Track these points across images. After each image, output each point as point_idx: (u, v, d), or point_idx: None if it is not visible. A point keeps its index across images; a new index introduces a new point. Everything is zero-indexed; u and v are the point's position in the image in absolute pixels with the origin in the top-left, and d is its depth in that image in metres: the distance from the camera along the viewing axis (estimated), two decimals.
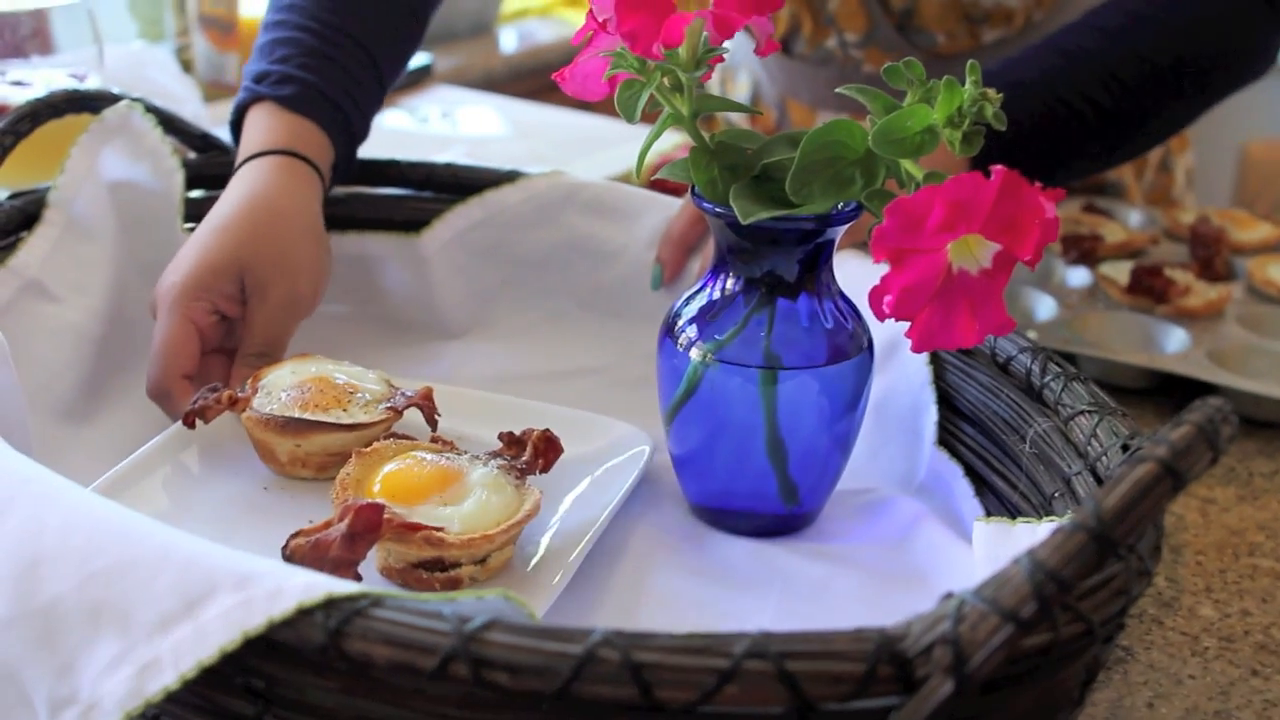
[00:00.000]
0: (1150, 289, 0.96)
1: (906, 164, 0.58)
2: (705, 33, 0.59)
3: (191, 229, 0.83)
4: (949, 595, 0.43)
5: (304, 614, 0.43)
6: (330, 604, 0.43)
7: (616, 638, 0.41)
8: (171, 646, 0.45)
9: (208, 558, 0.46)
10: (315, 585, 0.44)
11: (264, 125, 0.81)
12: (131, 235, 0.81)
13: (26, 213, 0.78)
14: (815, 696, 0.41)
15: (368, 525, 0.58)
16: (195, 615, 0.45)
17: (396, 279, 0.88)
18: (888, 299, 0.54)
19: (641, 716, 0.43)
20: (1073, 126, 0.87)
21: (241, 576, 0.45)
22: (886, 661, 0.41)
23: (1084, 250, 1.04)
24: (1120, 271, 1.00)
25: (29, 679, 0.47)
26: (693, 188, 0.63)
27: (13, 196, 0.78)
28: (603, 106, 0.84)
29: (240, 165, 0.80)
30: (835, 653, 0.41)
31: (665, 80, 0.62)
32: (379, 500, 0.59)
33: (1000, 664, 0.41)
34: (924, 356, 0.70)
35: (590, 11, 0.63)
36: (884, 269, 0.70)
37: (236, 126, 0.84)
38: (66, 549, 0.47)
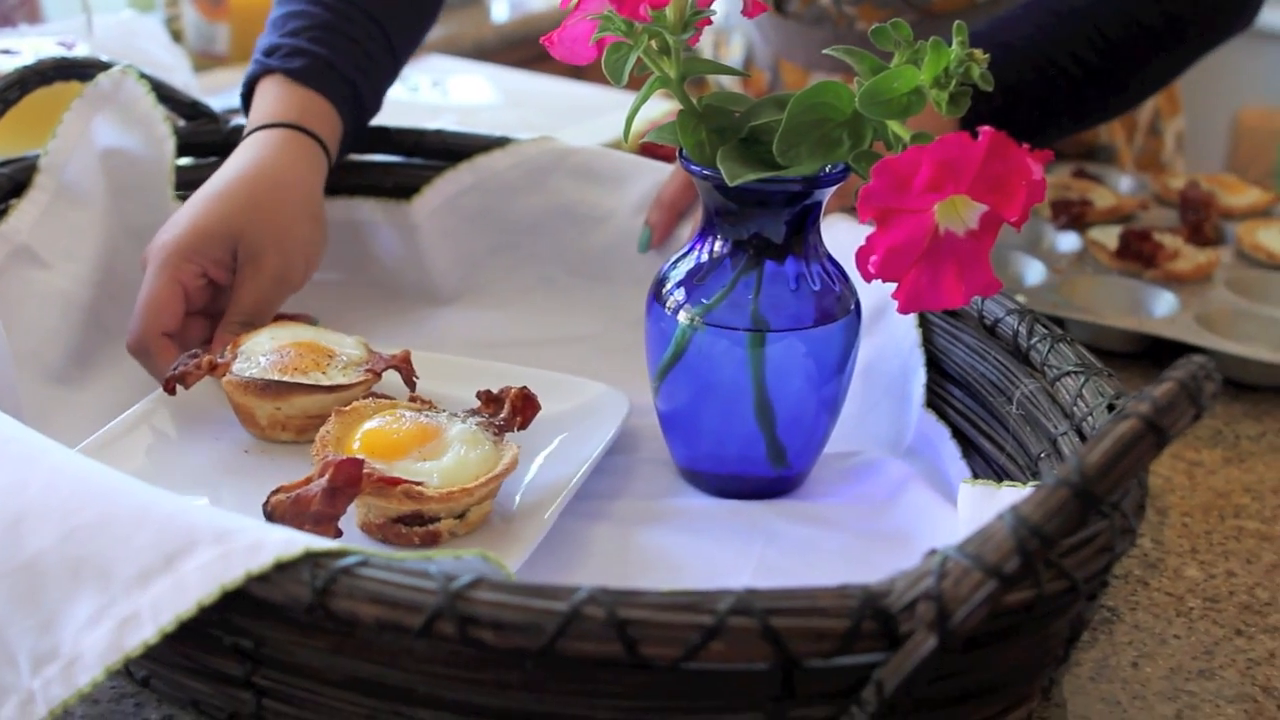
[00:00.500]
0: (1139, 253, 0.96)
1: (893, 125, 0.57)
2: None
3: (182, 196, 0.83)
4: (932, 552, 0.43)
5: (286, 571, 0.44)
6: (316, 562, 0.43)
7: (602, 595, 0.42)
8: (150, 601, 0.45)
9: (187, 514, 0.46)
10: (294, 541, 0.44)
11: (273, 97, 0.81)
12: (122, 202, 0.81)
13: (16, 180, 0.77)
14: (799, 653, 0.41)
15: (348, 479, 0.58)
16: (174, 569, 0.45)
17: (386, 245, 0.88)
18: (873, 259, 0.54)
19: (627, 673, 0.43)
20: (1060, 86, 0.87)
21: (220, 531, 0.45)
22: (870, 618, 0.42)
23: (1073, 215, 1.04)
24: (1109, 236, 1.00)
25: (12, 635, 0.47)
26: (680, 151, 0.63)
27: (2, 164, 0.78)
28: (593, 74, 0.84)
29: (246, 135, 0.80)
30: (819, 609, 0.42)
31: (653, 43, 0.61)
32: (359, 456, 0.60)
33: (983, 619, 0.41)
34: (913, 319, 0.71)
35: None
36: (871, 230, 0.70)
37: (246, 99, 0.84)
38: (48, 507, 0.47)
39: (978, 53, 0.55)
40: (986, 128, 0.52)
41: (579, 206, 0.85)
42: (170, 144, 0.82)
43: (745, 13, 0.62)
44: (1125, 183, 1.14)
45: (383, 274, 0.88)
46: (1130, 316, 0.91)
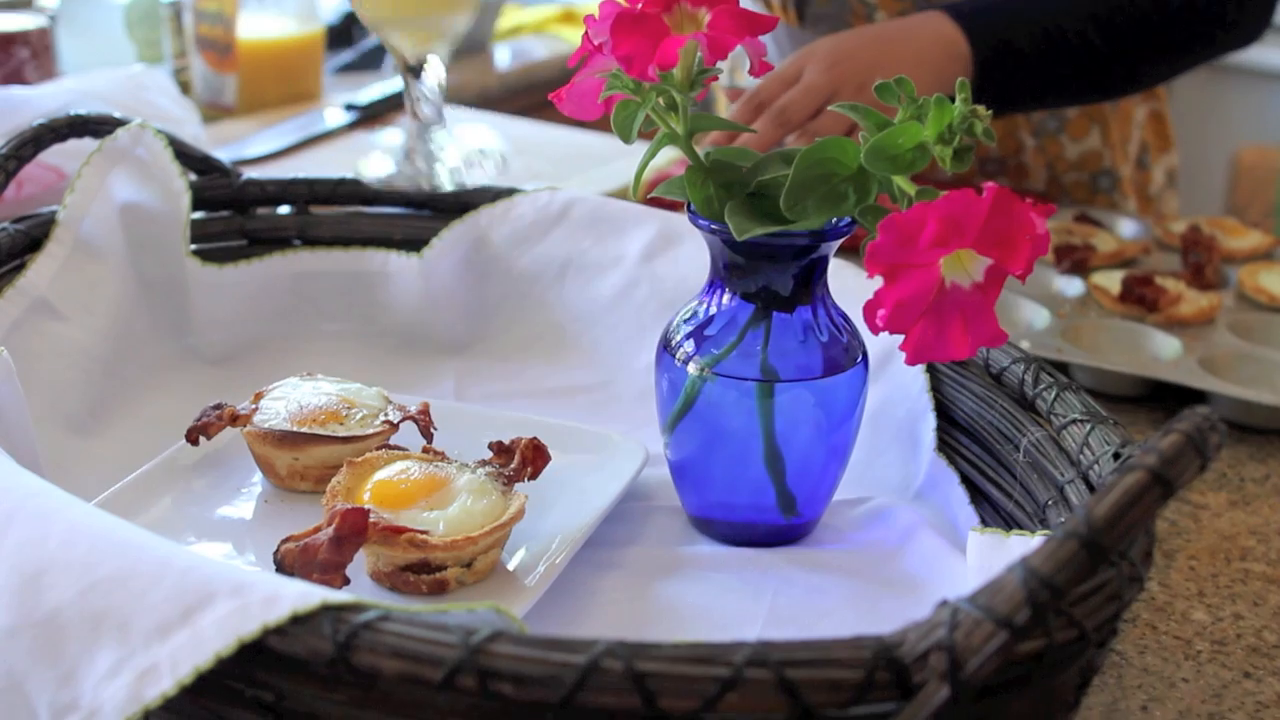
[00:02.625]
0: (1142, 298, 0.97)
1: (898, 180, 0.59)
2: (699, 53, 0.60)
3: (196, 251, 0.84)
4: (944, 603, 0.44)
5: (305, 624, 0.44)
6: (336, 616, 0.44)
7: (619, 648, 0.42)
8: (169, 653, 0.46)
9: (205, 567, 0.47)
10: (310, 593, 0.45)
11: None
12: (138, 256, 0.82)
13: (32, 236, 0.79)
14: (815, 703, 0.42)
15: (353, 529, 0.59)
16: (192, 622, 0.46)
17: (396, 296, 0.89)
18: (881, 313, 0.55)
19: None
20: (1065, 53, 0.95)
21: (237, 585, 0.46)
22: (884, 668, 0.42)
23: (1076, 260, 1.05)
24: (1112, 281, 1.01)
25: (32, 688, 0.48)
26: (688, 205, 0.64)
27: (18, 221, 0.79)
28: (598, 123, 0.85)
29: None
30: (834, 660, 0.42)
31: (660, 100, 0.63)
32: (366, 505, 0.61)
33: (995, 670, 0.42)
34: (920, 366, 0.71)
35: (586, 34, 0.64)
36: (877, 282, 0.71)
37: None
38: (68, 561, 0.48)
39: (981, 109, 0.57)
40: (991, 184, 0.53)
41: (586, 255, 0.87)
42: (186, 199, 0.84)
43: (752, 73, 0.64)
44: (1127, 227, 1.15)
45: (392, 326, 0.89)
46: (1134, 360, 0.92)
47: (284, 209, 0.90)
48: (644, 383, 0.84)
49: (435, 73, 0.79)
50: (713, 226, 0.63)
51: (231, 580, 0.46)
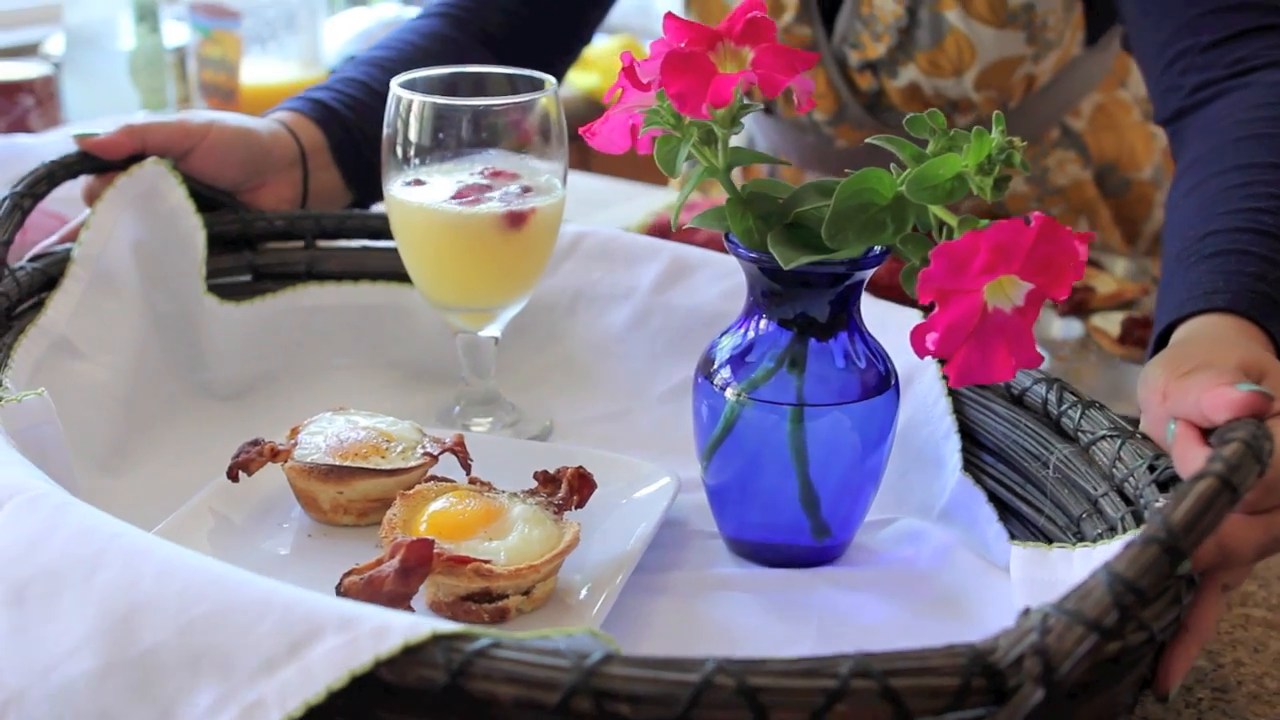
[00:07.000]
0: (1142, 339, 0.97)
1: (935, 209, 0.61)
2: (739, 91, 0.63)
3: (211, 288, 0.85)
4: (1027, 611, 0.46)
5: (415, 654, 0.45)
6: (450, 645, 0.45)
7: (730, 665, 0.44)
8: (276, 688, 0.46)
9: (310, 602, 0.47)
10: (419, 624, 0.46)
11: None
12: (152, 292, 0.82)
13: (48, 274, 0.78)
14: (916, 710, 0.44)
15: (420, 559, 0.60)
16: (300, 657, 0.46)
17: (406, 330, 0.90)
18: (933, 336, 0.58)
19: None
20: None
21: (345, 618, 0.46)
22: (979, 674, 0.44)
23: (1076, 302, 1.05)
24: (1111, 322, 1.01)
25: None
26: (727, 235, 0.66)
27: (34, 259, 0.79)
28: (603, 166, 0.88)
29: None
30: (932, 668, 0.44)
31: (697, 134, 0.65)
32: (428, 537, 0.62)
33: (1085, 671, 0.44)
34: (939, 385, 0.74)
35: (623, 70, 0.66)
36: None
37: None
38: (163, 598, 0.48)
39: (1017, 140, 0.59)
40: (1038, 214, 0.56)
41: (598, 286, 0.88)
42: (201, 235, 0.84)
43: (799, 109, 0.66)
44: (1126, 268, 1.16)
45: (403, 357, 0.90)
46: (1134, 403, 0.93)
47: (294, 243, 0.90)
48: (659, 412, 0.85)
49: (488, 350, 0.82)
50: (753, 255, 0.65)
51: (338, 614, 0.46)
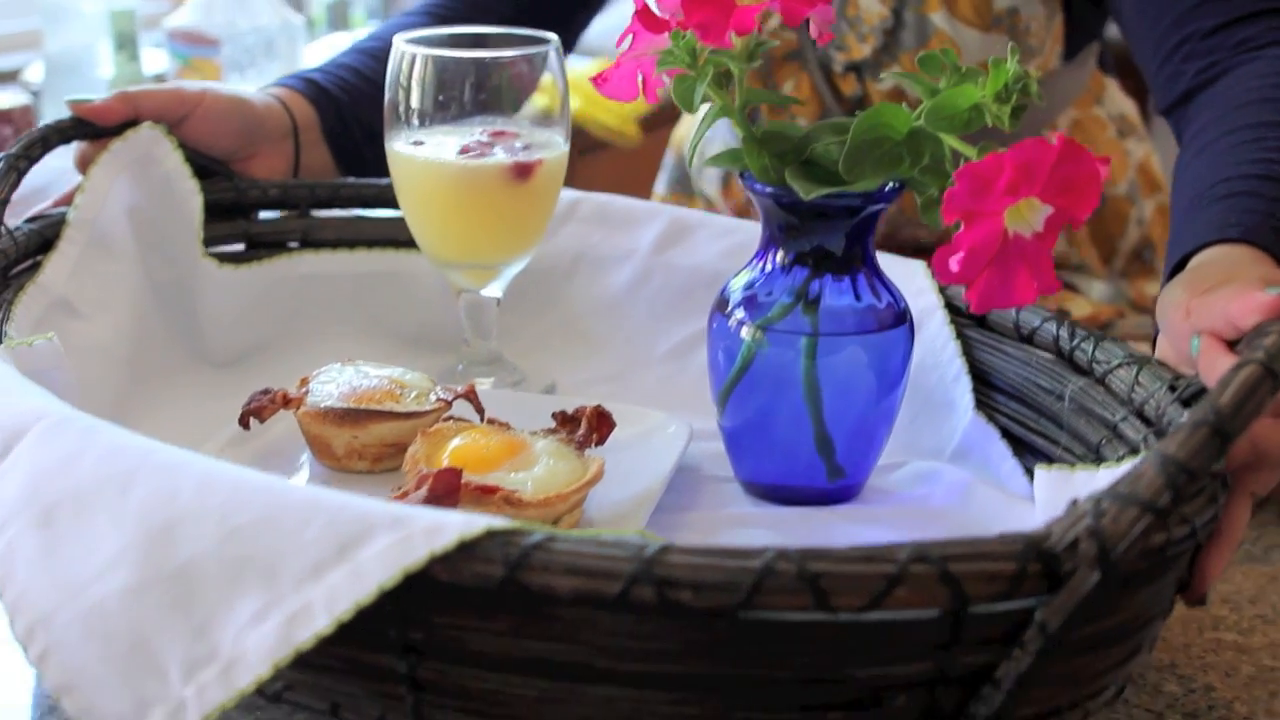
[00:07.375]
0: None
1: (952, 140, 0.62)
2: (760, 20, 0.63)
3: (211, 253, 0.84)
4: (1074, 502, 0.47)
5: (471, 550, 0.44)
6: (506, 539, 0.45)
7: (790, 553, 0.44)
8: (325, 591, 0.45)
9: (359, 504, 0.47)
10: (474, 521, 0.45)
11: None
12: (149, 256, 0.81)
13: (45, 236, 0.77)
14: (973, 595, 0.44)
15: (447, 488, 0.59)
16: (350, 557, 0.45)
17: (405, 296, 0.89)
18: (956, 258, 0.58)
19: (803, 631, 0.45)
20: None
21: (396, 518, 0.45)
22: (1035, 559, 0.45)
23: None
24: None
25: (161, 645, 0.46)
26: (743, 173, 0.67)
27: (30, 220, 0.78)
28: (584, 184, 0.89)
29: None
30: (988, 553, 0.45)
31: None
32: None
33: (1140, 554, 0.45)
34: (948, 329, 0.75)
35: (636, 13, 0.66)
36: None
37: None
38: (204, 509, 0.47)
39: (1032, 70, 0.61)
40: (1059, 134, 0.57)
41: (597, 248, 0.88)
42: (198, 200, 0.83)
43: (819, 41, 0.67)
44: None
45: (402, 323, 0.89)
46: None
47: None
48: (661, 371, 0.85)
49: (490, 310, 0.82)
50: (769, 190, 0.65)
51: (389, 514, 0.46)
